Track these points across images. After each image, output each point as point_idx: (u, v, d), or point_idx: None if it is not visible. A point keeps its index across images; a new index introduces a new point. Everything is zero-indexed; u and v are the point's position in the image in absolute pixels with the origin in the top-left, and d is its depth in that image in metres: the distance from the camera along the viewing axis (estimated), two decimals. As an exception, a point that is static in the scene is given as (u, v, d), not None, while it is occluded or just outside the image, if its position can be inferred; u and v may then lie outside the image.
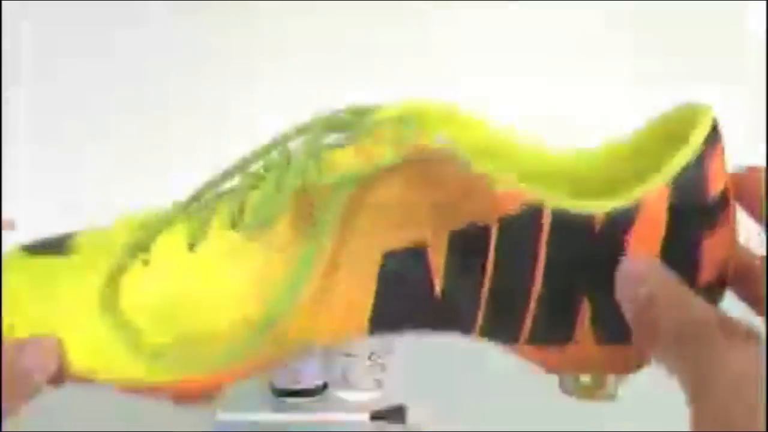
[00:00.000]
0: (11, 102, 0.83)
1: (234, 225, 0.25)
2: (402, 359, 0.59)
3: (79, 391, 0.59)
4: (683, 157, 0.23)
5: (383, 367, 0.57)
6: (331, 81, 0.77)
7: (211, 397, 0.26)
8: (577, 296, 0.23)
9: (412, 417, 0.53)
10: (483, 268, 0.23)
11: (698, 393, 0.19)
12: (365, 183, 0.23)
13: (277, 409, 0.56)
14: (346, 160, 0.24)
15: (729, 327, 0.20)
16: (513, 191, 0.22)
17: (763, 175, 0.23)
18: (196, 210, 0.26)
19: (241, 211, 0.25)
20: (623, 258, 0.23)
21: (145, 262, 0.25)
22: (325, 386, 0.57)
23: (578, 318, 0.24)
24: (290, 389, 0.56)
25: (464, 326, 0.25)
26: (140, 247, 0.25)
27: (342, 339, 0.25)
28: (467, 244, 0.23)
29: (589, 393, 0.26)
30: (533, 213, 0.22)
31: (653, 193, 0.22)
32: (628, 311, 0.22)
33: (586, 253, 0.23)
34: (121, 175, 0.81)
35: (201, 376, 0.24)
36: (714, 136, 0.23)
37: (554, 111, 0.73)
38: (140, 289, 0.25)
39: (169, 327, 0.24)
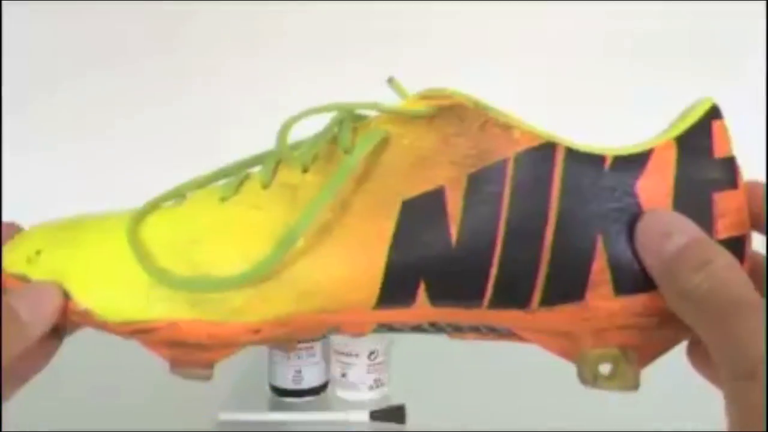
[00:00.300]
0: (12, 102, 0.83)
1: (266, 185, 0.26)
2: (402, 359, 0.59)
3: (81, 391, 0.59)
4: (686, 121, 0.24)
5: (383, 367, 0.57)
6: (333, 75, 0.78)
7: (214, 361, 0.25)
8: (591, 238, 0.24)
9: (412, 417, 0.53)
10: (499, 207, 0.24)
11: (717, 346, 0.20)
12: (392, 134, 0.25)
13: (277, 409, 0.56)
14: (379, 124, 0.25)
15: (753, 291, 0.20)
16: (529, 132, 0.24)
17: (763, 189, 0.24)
18: (236, 171, 0.27)
19: (275, 171, 0.26)
20: (646, 211, 0.23)
21: (177, 204, 0.27)
22: (325, 386, 0.57)
23: (594, 261, 0.24)
24: (290, 389, 0.56)
25: (477, 281, 0.24)
26: (176, 195, 0.27)
27: (354, 299, 0.25)
28: (484, 183, 0.24)
29: (609, 383, 0.25)
30: (548, 148, 0.24)
31: (660, 144, 0.24)
32: (652, 267, 0.23)
33: (597, 190, 0.24)
34: (123, 176, 0.81)
35: (217, 319, 0.24)
36: (715, 113, 0.25)
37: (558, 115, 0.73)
38: (163, 224, 0.26)
39: (183, 261, 0.25)
